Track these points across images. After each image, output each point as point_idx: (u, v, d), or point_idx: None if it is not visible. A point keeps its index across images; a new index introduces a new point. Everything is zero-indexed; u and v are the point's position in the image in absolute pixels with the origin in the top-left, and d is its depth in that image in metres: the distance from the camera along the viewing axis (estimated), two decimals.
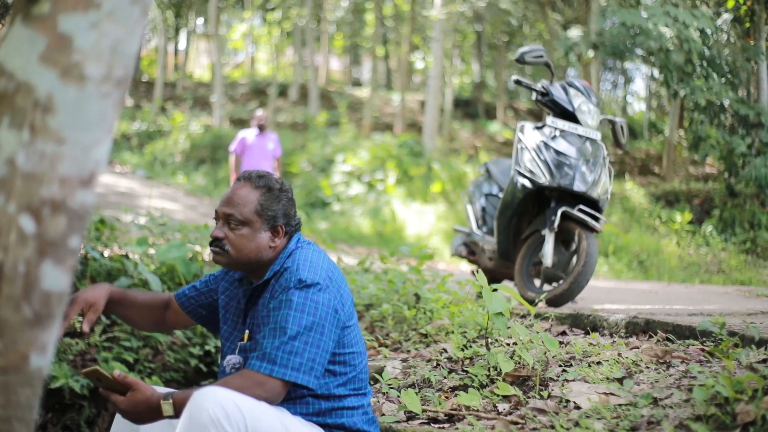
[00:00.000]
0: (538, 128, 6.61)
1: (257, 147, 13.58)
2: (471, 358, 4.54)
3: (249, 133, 13.78)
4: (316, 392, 3.12)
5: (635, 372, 3.80)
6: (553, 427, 3.37)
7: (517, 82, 6.63)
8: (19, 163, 1.75)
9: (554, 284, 6.45)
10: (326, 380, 3.14)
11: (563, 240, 6.45)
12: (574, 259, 6.28)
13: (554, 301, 6.09)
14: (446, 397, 4.04)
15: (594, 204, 6.38)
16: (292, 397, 3.12)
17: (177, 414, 2.90)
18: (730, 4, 13.02)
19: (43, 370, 1.85)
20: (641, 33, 13.29)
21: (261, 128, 13.77)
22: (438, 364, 4.61)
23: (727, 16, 13.55)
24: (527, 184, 6.47)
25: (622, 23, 13.47)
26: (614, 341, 4.47)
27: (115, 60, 1.81)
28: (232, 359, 3.29)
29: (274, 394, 2.95)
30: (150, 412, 2.96)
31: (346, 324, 3.17)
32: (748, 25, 12.39)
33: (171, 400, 2.93)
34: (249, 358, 3.08)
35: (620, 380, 3.73)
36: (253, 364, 2.98)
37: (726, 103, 12.09)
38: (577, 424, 3.33)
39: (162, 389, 3.23)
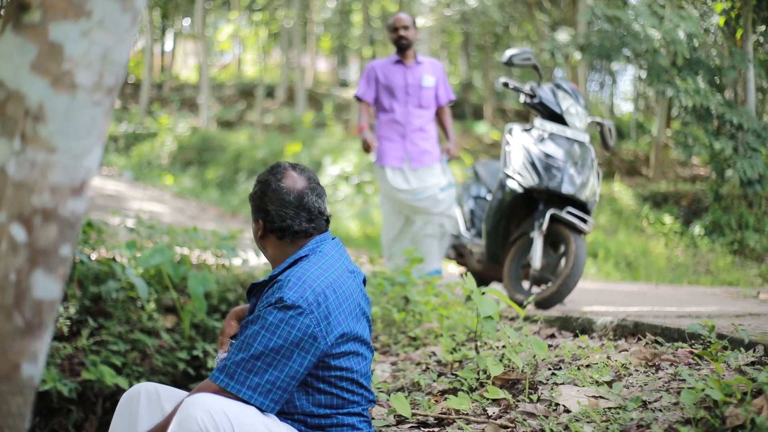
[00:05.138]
0: (526, 130, 6.63)
1: (402, 85, 7.71)
2: (460, 362, 4.55)
3: (384, 64, 7.86)
4: (299, 411, 3.09)
5: (624, 375, 3.81)
6: (543, 430, 3.37)
7: (505, 84, 6.65)
8: (10, 171, 1.75)
9: (543, 286, 6.47)
10: (310, 397, 3.09)
11: (552, 242, 6.47)
12: (563, 261, 6.30)
13: (543, 304, 6.10)
14: (436, 401, 4.04)
15: (582, 206, 6.40)
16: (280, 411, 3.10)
17: None
18: (719, 7, 13.07)
19: (34, 379, 1.85)
20: (628, 34, 13.33)
21: (404, 47, 7.71)
22: (427, 368, 4.61)
23: (716, 19, 13.60)
24: (515, 186, 6.49)
25: (609, 20, 13.49)
26: (603, 344, 4.47)
27: (106, 68, 1.81)
28: (221, 355, 3.30)
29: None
30: None
31: (330, 352, 3.05)
32: (740, 32, 12.43)
33: None
34: None
35: (609, 383, 3.74)
36: (213, 374, 2.99)
37: (712, 106, 12.12)
38: (566, 428, 3.34)
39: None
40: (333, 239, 3.28)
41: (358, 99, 7.83)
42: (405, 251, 6.72)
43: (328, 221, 3.28)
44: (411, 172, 7.60)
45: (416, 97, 7.68)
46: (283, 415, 3.09)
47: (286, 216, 3.16)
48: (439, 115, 8.00)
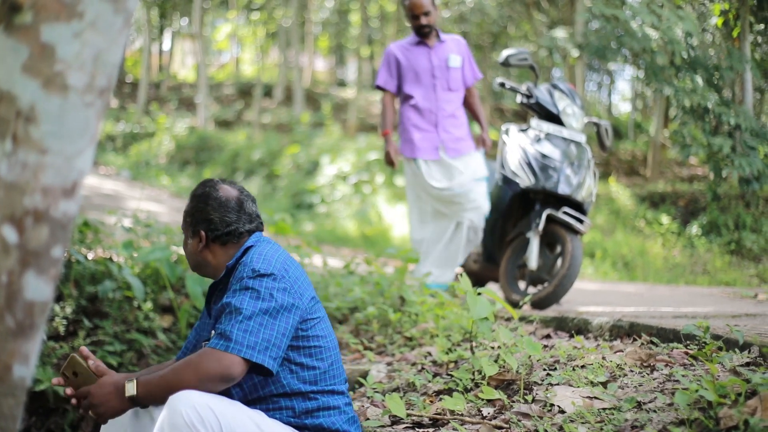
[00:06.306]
0: (523, 131, 6.63)
1: (427, 67, 6.92)
2: (456, 362, 4.55)
3: (404, 45, 7.07)
4: (287, 390, 3.15)
5: (619, 376, 3.81)
6: (537, 431, 3.38)
7: (502, 84, 6.65)
8: (1, 173, 1.75)
9: (539, 287, 6.48)
10: (295, 374, 3.16)
11: (548, 242, 6.48)
12: (559, 261, 6.31)
13: (539, 304, 6.11)
14: (431, 402, 4.04)
15: (579, 206, 6.40)
16: (263, 397, 3.15)
17: (138, 393, 3.01)
18: (716, 8, 13.08)
19: (26, 381, 1.85)
20: (626, 34, 13.33)
21: (424, 29, 6.90)
22: (423, 368, 4.61)
23: (713, 19, 13.61)
24: (512, 186, 6.49)
25: (607, 20, 13.50)
26: (599, 344, 4.47)
27: (98, 69, 1.81)
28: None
29: (231, 372, 2.96)
30: (116, 392, 3.06)
31: (307, 317, 3.18)
32: (736, 33, 12.44)
33: (134, 381, 3.04)
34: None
35: (604, 384, 3.74)
36: (211, 342, 3.02)
37: (710, 105, 12.13)
38: (561, 429, 3.34)
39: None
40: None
41: (380, 88, 7.03)
42: (400, 252, 6.69)
43: (262, 224, 3.47)
44: (449, 162, 6.82)
45: (444, 80, 6.90)
46: (272, 405, 3.15)
47: (231, 221, 3.35)
48: (466, 98, 7.15)
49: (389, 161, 6.91)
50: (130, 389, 3.02)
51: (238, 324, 2.98)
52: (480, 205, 6.77)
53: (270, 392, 3.14)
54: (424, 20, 6.80)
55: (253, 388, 3.13)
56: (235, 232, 3.34)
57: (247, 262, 3.15)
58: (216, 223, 3.33)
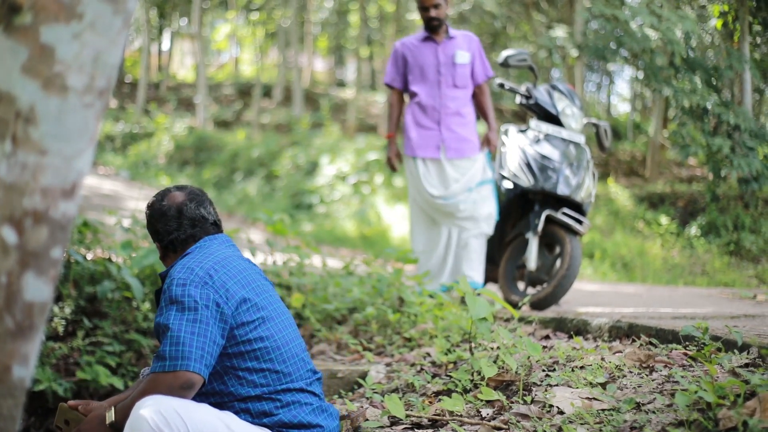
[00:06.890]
0: (522, 131, 6.63)
1: (433, 63, 6.77)
2: (455, 363, 4.55)
3: (411, 42, 6.93)
4: (236, 397, 3.19)
5: (618, 377, 3.81)
6: None
7: (501, 85, 6.65)
8: (0, 174, 1.75)
9: (538, 287, 6.47)
10: (243, 380, 3.19)
11: (547, 243, 6.47)
12: (558, 262, 6.31)
13: (538, 305, 6.11)
14: (430, 402, 4.04)
15: (578, 207, 6.40)
16: (215, 404, 3.18)
17: (116, 419, 3.09)
18: (716, 9, 13.08)
19: (25, 381, 1.85)
20: (625, 34, 13.33)
21: (436, 28, 6.78)
22: (422, 369, 4.61)
23: (713, 21, 13.61)
24: (511, 187, 6.49)
25: (606, 20, 13.50)
26: (598, 345, 4.47)
27: (98, 70, 1.81)
28: (143, 370, 3.50)
29: (176, 388, 3.01)
30: (99, 424, 3.15)
31: (241, 321, 3.19)
32: (737, 37, 12.44)
33: (112, 409, 3.14)
34: None
35: (603, 385, 3.74)
36: (152, 367, 3.09)
37: (709, 106, 12.12)
38: (560, 429, 3.34)
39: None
40: (219, 236, 3.48)
41: (388, 86, 7.00)
42: (399, 253, 6.67)
43: (215, 224, 3.49)
44: (448, 163, 6.66)
45: (449, 77, 6.70)
46: (227, 411, 3.17)
47: (171, 229, 3.40)
48: (476, 96, 6.93)
49: (391, 165, 6.91)
50: (110, 417, 3.11)
51: (170, 339, 3.04)
52: (471, 215, 6.62)
53: (221, 400, 3.19)
54: (433, 12, 6.65)
55: (204, 397, 3.18)
56: (177, 239, 3.40)
57: (173, 272, 3.21)
58: (161, 233, 3.41)
